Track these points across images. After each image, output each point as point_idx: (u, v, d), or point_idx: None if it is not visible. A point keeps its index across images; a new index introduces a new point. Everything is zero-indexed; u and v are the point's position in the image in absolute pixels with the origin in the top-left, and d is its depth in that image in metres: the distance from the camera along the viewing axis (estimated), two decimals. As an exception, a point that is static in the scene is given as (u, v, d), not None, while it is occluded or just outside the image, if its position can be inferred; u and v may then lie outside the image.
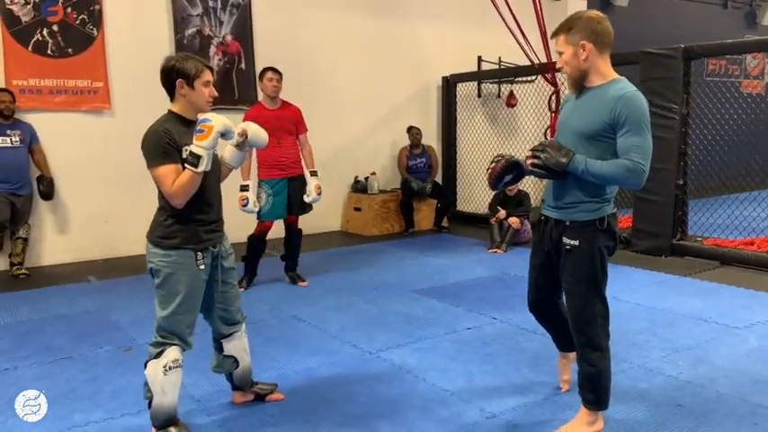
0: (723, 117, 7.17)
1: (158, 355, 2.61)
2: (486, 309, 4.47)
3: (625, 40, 8.86)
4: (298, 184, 5.10)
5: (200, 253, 2.64)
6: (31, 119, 5.83)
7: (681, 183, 5.89)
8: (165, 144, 2.53)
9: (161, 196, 2.64)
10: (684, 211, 6.00)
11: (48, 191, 5.78)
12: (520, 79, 8.51)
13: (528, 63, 7.15)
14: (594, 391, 2.65)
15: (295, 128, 5.13)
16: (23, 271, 5.64)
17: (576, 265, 2.57)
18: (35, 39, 5.84)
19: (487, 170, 2.78)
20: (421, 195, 7.61)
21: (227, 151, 2.84)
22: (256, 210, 4.92)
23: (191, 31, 6.61)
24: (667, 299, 4.61)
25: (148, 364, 2.62)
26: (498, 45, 8.39)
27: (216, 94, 2.71)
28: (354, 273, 5.67)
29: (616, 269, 5.55)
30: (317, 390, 3.20)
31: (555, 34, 2.55)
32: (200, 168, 2.51)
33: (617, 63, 6.60)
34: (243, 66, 6.92)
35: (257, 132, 2.83)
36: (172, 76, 2.58)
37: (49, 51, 5.92)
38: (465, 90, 8.56)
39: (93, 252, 6.31)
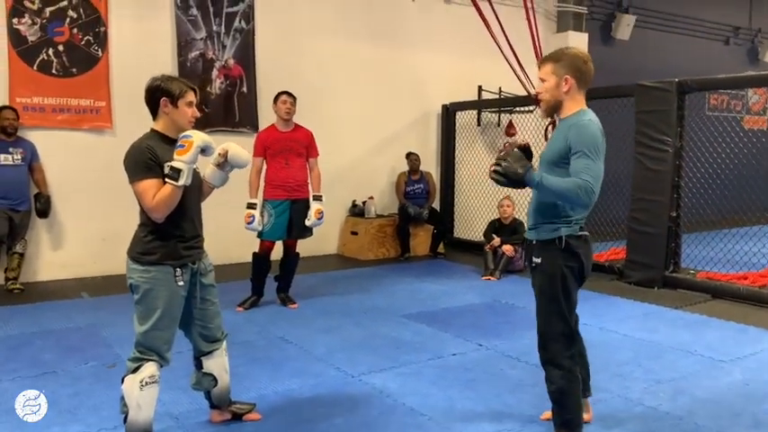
0: (724, 151, 7.20)
1: (135, 370, 2.63)
2: (474, 335, 4.48)
3: (625, 73, 9.03)
4: (301, 207, 5.15)
5: (178, 269, 2.68)
6: (33, 136, 5.94)
7: (674, 215, 5.92)
8: (147, 159, 2.59)
9: (142, 212, 2.70)
10: (678, 243, 6.01)
11: (44, 208, 5.86)
12: (519, 109, 8.58)
13: (524, 93, 7.24)
14: (560, 413, 2.71)
15: (306, 151, 5.21)
16: (18, 286, 5.69)
17: (538, 281, 2.73)
18: (41, 58, 5.97)
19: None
20: (418, 221, 7.65)
21: (208, 170, 2.90)
22: (260, 228, 4.98)
23: (194, 54, 6.74)
24: (655, 330, 4.61)
25: (125, 379, 2.65)
26: (499, 75, 8.47)
27: (198, 114, 2.79)
28: (347, 296, 5.69)
29: (607, 300, 5.58)
30: (296, 411, 3.21)
31: (543, 62, 2.71)
32: (181, 182, 2.57)
33: (612, 95, 6.74)
34: (244, 89, 7.03)
35: (238, 153, 2.89)
36: (156, 95, 2.67)
37: (53, 70, 6.04)
38: (465, 118, 8.65)
39: (88, 269, 6.36)
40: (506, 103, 8.40)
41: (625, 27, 9.92)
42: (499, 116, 9.02)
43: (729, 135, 7.18)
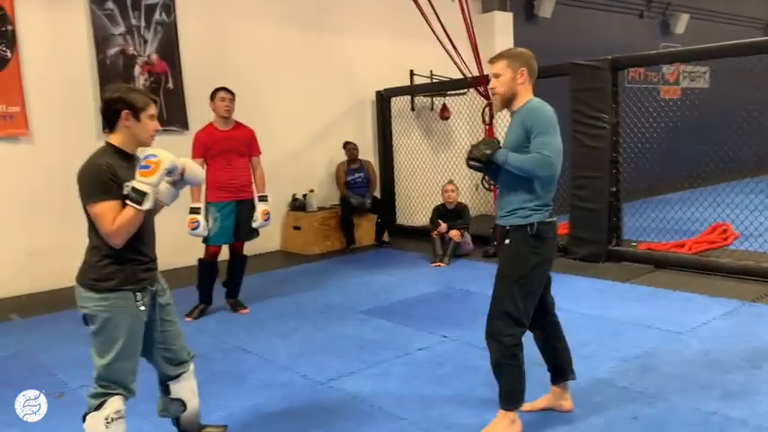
0: (646, 122, 7.42)
1: (99, 407, 2.42)
2: (436, 327, 4.43)
3: (549, 50, 9.15)
4: (247, 208, 4.94)
5: (138, 293, 2.47)
6: (-60, 148, 5.44)
7: (614, 190, 6.05)
8: (107, 179, 2.36)
9: (95, 235, 2.45)
10: (619, 217, 6.16)
11: None
12: (452, 92, 8.58)
13: (459, 76, 7.23)
14: (499, 386, 2.85)
15: (248, 150, 4.98)
16: (-63, 313, 5.23)
17: (502, 260, 2.89)
18: (-59, 62, 5.45)
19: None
20: (361, 211, 7.53)
21: (161, 187, 2.63)
22: (206, 233, 4.74)
23: (113, 50, 6.32)
24: (610, 306, 4.70)
25: (88, 417, 2.44)
26: (429, 58, 8.45)
27: (159, 127, 2.56)
28: (298, 295, 5.53)
29: (556, 277, 5.49)
30: (269, 428, 3.06)
31: (497, 58, 2.88)
32: (145, 206, 2.37)
33: (547, 75, 6.80)
34: (170, 85, 6.68)
35: (194, 170, 2.67)
36: (116, 107, 2.42)
37: (-43, 75, 5.54)
38: (399, 104, 8.56)
39: (15, 287, 5.91)
40: (439, 87, 8.37)
41: (548, 4, 10.05)
42: (432, 100, 8.98)
43: (650, 105, 7.38)
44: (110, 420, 2.41)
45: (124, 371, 2.47)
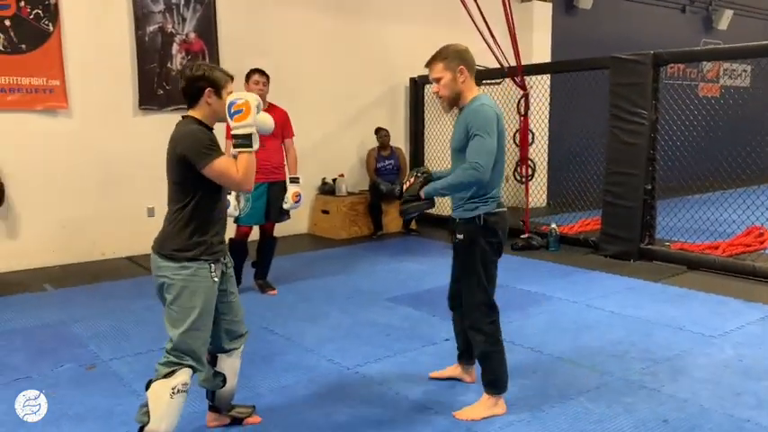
0: (684, 119, 7.27)
1: (168, 375, 2.46)
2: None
3: (588, 42, 9.02)
4: (278, 189, 4.95)
5: (213, 264, 2.54)
6: (-18, 119, 5.53)
7: (649, 188, 5.94)
8: (210, 139, 2.49)
9: (176, 207, 2.51)
10: (652, 216, 6.05)
11: None
12: (487, 81, 8.46)
13: (495, 65, 7.13)
14: (485, 373, 2.98)
15: (281, 131, 4.98)
16: (-26, 280, 5.35)
17: (460, 256, 3.00)
18: (-15, 34, 5.53)
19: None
20: (390, 197, 7.50)
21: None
22: (237, 213, 4.76)
23: (152, 27, 6.36)
24: (641, 306, 4.62)
25: (154, 384, 2.47)
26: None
27: None
28: (325, 279, 5.54)
29: (587, 274, 5.59)
30: (295, 410, 3.07)
31: (431, 62, 2.93)
32: (255, 146, 2.48)
33: (586, 68, 6.70)
34: (207, 64, 6.68)
35: (263, 118, 2.64)
36: (200, 84, 2.51)
37: (0, 47, 5.60)
38: (430, 92, 8.47)
39: (49, 258, 6.02)
40: (475, 75, 8.25)
41: (588, -5, 9.87)
42: (466, 88, 8.88)
43: (689, 103, 7.22)
44: (176, 391, 2.44)
45: (198, 340, 2.51)
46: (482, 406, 2.98)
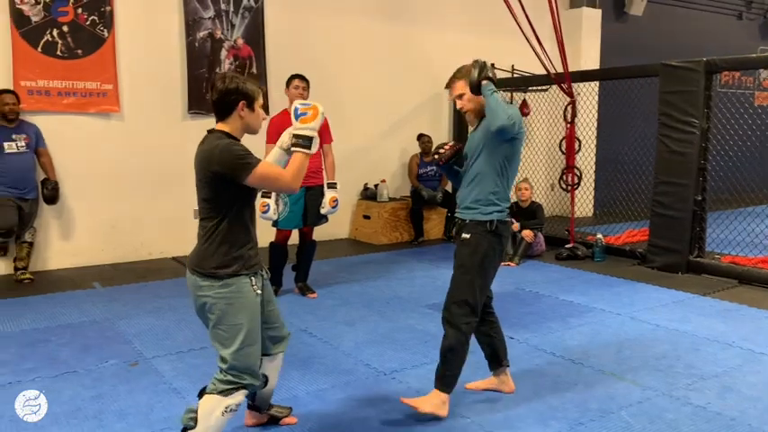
0: (733, 128, 7.03)
1: (224, 393, 2.45)
2: (502, 327, 4.32)
3: (639, 50, 8.82)
4: (316, 194, 4.99)
5: (253, 278, 2.52)
6: (39, 121, 5.73)
7: (699, 198, 5.77)
8: (244, 148, 2.42)
9: (209, 224, 2.46)
10: (702, 228, 5.88)
11: (52, 195, 5.66)
12: (533, 88, 8.39)
13: (542, 71, 7.05)
14: (442, 368, 2.98)
15: (320, 137, 5.00)
16: (28, 275, 5.54)
17: (461, 252, 3.00)
18: (45, 39, 5.74)
19: (434, 154, 3.25)
20: (431, 204, 7.49)
21: (273, 152, 2.68)
22: (276, 217, 4.82)
23: (202, 33, 6.51)
24: (688, 320, 4.49)
25: (208, 396, 2.46)
26: (511, 53, 8.28)
27: (266, 115, 2.62)
28: (365, 284, 5.56)
29: (633, 286, 5.46)
30: (331, 414, 3.08)
31: (453, 80, 3.06)
32: (313, 150, 2.51)
33: (635, 75, 6.56)
34: (254, 70, 6.81)
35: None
36: (234, 97, 2.45)
37: (58, 52, 5.82)
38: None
39: (98, 257, 6.20)
40: (520, 82, 8.20)
41: (639, 2, 9.67)
42: (512, 95, 8.81)
43: (740, 113, 6.97)
44: (228, 410, 2.44)
45: (252, 356, 2.49)
46: (430, 401, 2.98)
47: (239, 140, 2.51)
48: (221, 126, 2.50)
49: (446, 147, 3.20)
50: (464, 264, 2.97)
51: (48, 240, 5.98)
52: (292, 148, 2.53)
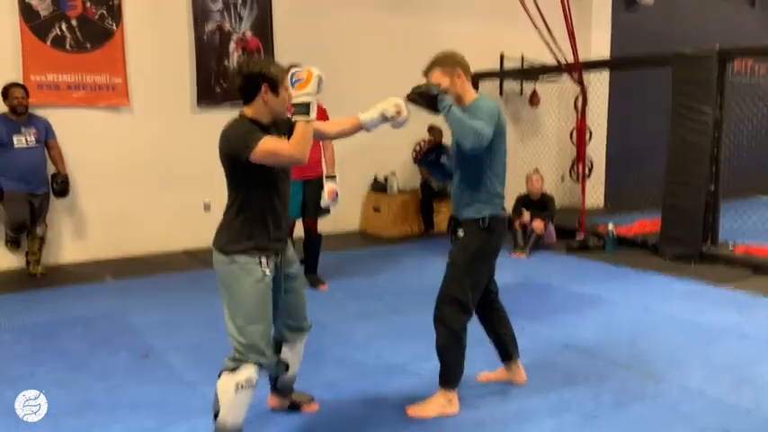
0: (752, 118, 6.95)
1: (233, 370, 2.49)
2: (513, 319, 4.16)
3: (650, 39, 8.73)
4: (314, 186, 4.96)
5: (263, 258, 2.53)
6: (49, 114, 5.73)
7: (712, 188, 5.71)
8: (249, 128, 2.44)
9: (229, 201, 2.56)
10: (715, 217, 5.84)
11: (62, 188, 5.67)
12: (543, 78, 8.33)
13: (552, 61, 7.00)
14: (441, 367, 2.99)
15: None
16: (40, 269, 5.56)
17: (454, 250, 2.99)
18: (54, 33, 5.74)
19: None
20: (441, 196, 7.46)
21: (371, 112, 2.86)
22: None
23: (210, 26, 6.49)
24: (702, 311, 4.44)
25: (222, 375, 2.52)
26: (521, 42, 8.23)
27: (293, 96, 2.58)
28: (376, 277, 5.54)
29: (645, 277, 5.42)
30: (344, 406, 3.08)
31: (429, 70, 3.01)
32: (312, 116, 2.44)
33: (648, 65, 6.48)
34: (262, 62, 6.78)
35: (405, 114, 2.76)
36: (256, 81, 2.47)
37: (67, 46, 5.82)
38: (487, 88, 8.38)
39: (110, 251, 6.22)
40: (530, 72, 8.13)
41: (650, -10, 9.56)
42: (522, 85, 8.75)
43: (753, 101, 6.87)
44: (240, 387, 2.46)
45: (255, 334, 2.50)
46: (435, 402, 2.98)
47: (266, 125, 2.52)
48: (246, 110, 2.53)
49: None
50: (455, 261, 2.96)
51: (59, 234, 6.00)
52: (293, 118, 2.47)
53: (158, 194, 6.40)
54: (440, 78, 2.95)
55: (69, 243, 6.06)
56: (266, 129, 2.51)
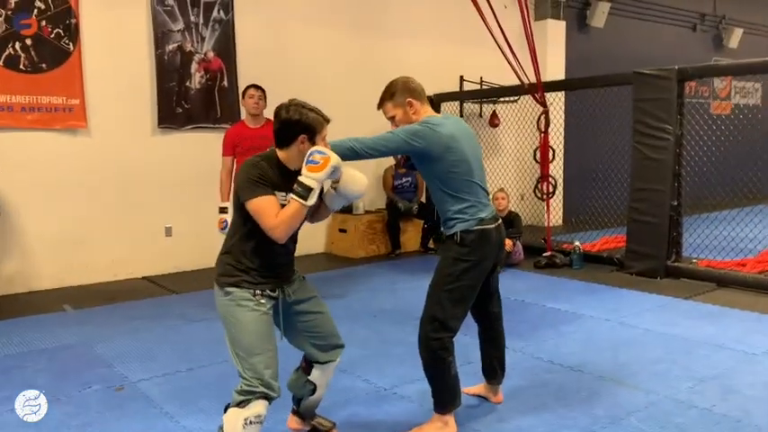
0: (696, 136, 7.19)
1: (241, 404, 2.38)
2: (495, 337, 4.29)
3: (602, 60, 9.00)
4: None
5: (257, 291, 2.46)
6: (1, 138, 5.47)
7: (675, 204, 5.87)
8: (261, 174, 2.39)
9: (232, 232, 2.52)
10: (679, 232, 5.98)
11: None
12: (503, 99, 8.46)
13: (511, 82, 7.13)
14: (432, 390, 2.90)
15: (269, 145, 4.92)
16: (-9, 300, 5.26)
17: (436, 267, 2.91)
18: (6, 53, 5.50)
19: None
20: (407, 216, 7.44)
21: (328, 195, 2.64)
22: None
23: (171, 46, 6.34)
24: (676, 324, 4.52)
25: (229, 410, 2.41)
26: (479, 65, 8.38)
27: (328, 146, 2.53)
28: (348, 299, 5.45)
29: (615, 292, 5.49)
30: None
31: (380, 104, 2.96)
32: (309, 202, 2.35)
33: (610, 83, 6.65)
34: (225, 83, 6.67)
35: (353, 179, 2.57)
36: (295, 130, 2.42)
37: (21, 66, 5.58)
38: (448, 110, 8.46)
39: (67, 279, 5.94)
40: (490, 94, 8.25)
41: (600, 14, 9.87)
42: (481, 106, 8.87)
43: (697, 120, 7.11)
44: (248, 422, 2.35)
45: (260, 365, 2.40)
46: (431, 427, 2.91)
47: (292, 171, 2.45)
48: (279, 152, 2.48)
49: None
50: (433, 279, 2.90)
51: (11, 262, 5.70)
52: (290, 195, 2.38)
53: (118, 219, 6.16)
54: (392, 111, 2.92)
55: (22, 271, 5.76)
56: (289, 175, 2.44)
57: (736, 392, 3.32)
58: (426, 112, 2.93)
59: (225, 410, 2.43)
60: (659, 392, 3.33)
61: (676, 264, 5.92)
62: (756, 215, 6.24)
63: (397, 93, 2.90)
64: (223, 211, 4.73)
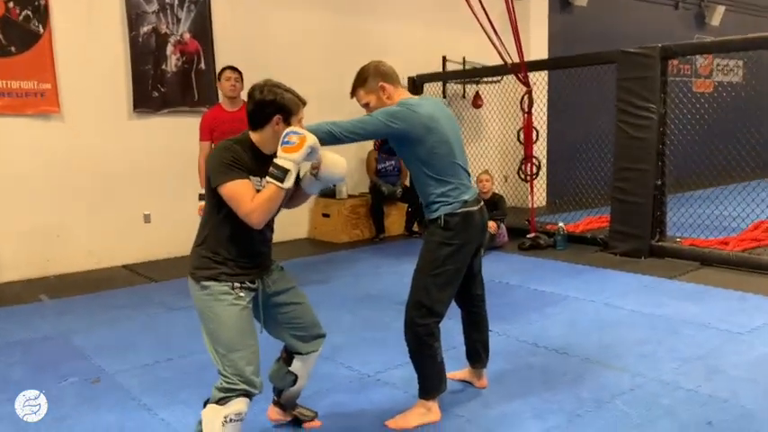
0: (679, 114, 7.16)
1: (221, 401, 2.29)
2: (480, 320, 4.25)
3: (585, 39, 8.93)
4: None
5: (237, 284, 2.36)
6: (-29, 124, 5.32)
7: (659, 183, 5.84)
8: (234, 158, 2.29)
9: (206, 223, 2.41)
10: (663, 212, 5.96)
11: None
12: (486, 80, 8.37)
13: (494, 62, 7.05)
14: (417, 376, 2.88)
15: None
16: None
17: (420, 252, 2.87)
18: (-27, 36, 5.32)
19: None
20: (391, 199, 7.36)
21: (305, 179, 2.54)
22: None
23: (146, 28, 6.17)
24: (661, 304, 4.50)
25: (208, 406, 2.32)
26: (461, 45, 8.26)
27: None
28: (332, 284, 5.38)
29: (599, 273, 5.47)
30: (321, 421, 2.90)
31: (353, 92, 2.92)
32: (286, 185, 2.25)
33: (595, 62, 6.58)
34: (203, 66, 6.52)
35: (333, 162, 2.49)
36: (269, 110, 2.33)
37: (-11, 50, 5.40)
38: (430, 91, 8.36)
39: (43, 268, 5.80)
40: (473, 74, 8.15)
41: (583, -7, 9.79)
42: (464, 87, 8.78)
43: (680, 98, 7.09)
44: (228, 420, 2.27)
45: (241, 360, 2.31)
46: (414, 413, 2.87)
47: (263, 153, 2.37)
48: (252, 134, 2.38)
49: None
50: (418, 264, 2.86)
51: (-14, 253, 5.56)
52: (266, 178, 2.28)
53: (94, 207, 6.02)
54: (366, 98, 2.86)
55: (-2, 262, 5.62)
56: (264, 159, 2.34)
57: (722, 372, 3.30)
58: (401, 94, 2.86)
59: (204, 406, 2.34)
60: (645, 374, 3.31)
61: (660, 243, 5.91)
62: (739, 193, 6.26)
63: (369, 78, 2.83)
64: (203, 197, 4.61)
